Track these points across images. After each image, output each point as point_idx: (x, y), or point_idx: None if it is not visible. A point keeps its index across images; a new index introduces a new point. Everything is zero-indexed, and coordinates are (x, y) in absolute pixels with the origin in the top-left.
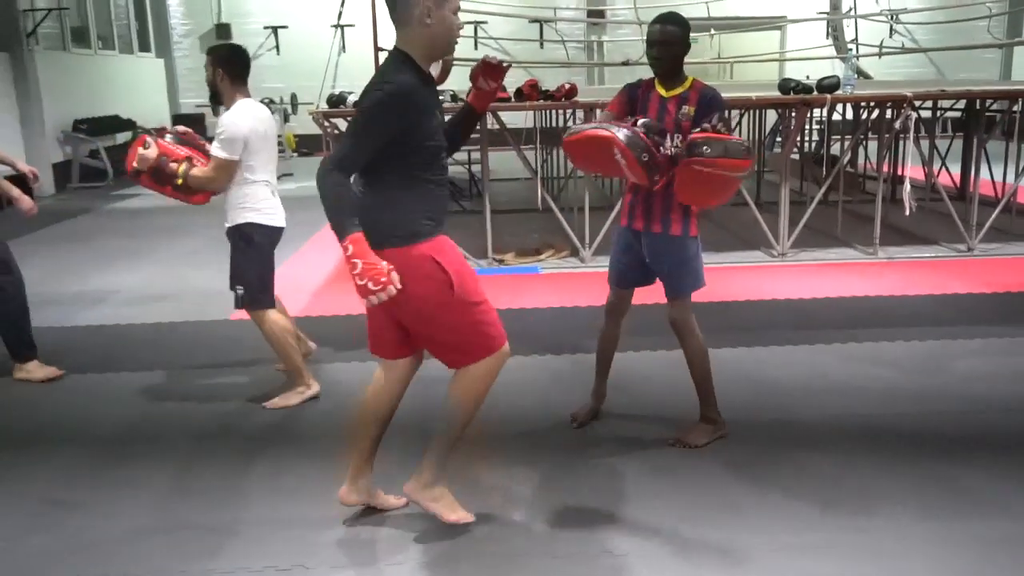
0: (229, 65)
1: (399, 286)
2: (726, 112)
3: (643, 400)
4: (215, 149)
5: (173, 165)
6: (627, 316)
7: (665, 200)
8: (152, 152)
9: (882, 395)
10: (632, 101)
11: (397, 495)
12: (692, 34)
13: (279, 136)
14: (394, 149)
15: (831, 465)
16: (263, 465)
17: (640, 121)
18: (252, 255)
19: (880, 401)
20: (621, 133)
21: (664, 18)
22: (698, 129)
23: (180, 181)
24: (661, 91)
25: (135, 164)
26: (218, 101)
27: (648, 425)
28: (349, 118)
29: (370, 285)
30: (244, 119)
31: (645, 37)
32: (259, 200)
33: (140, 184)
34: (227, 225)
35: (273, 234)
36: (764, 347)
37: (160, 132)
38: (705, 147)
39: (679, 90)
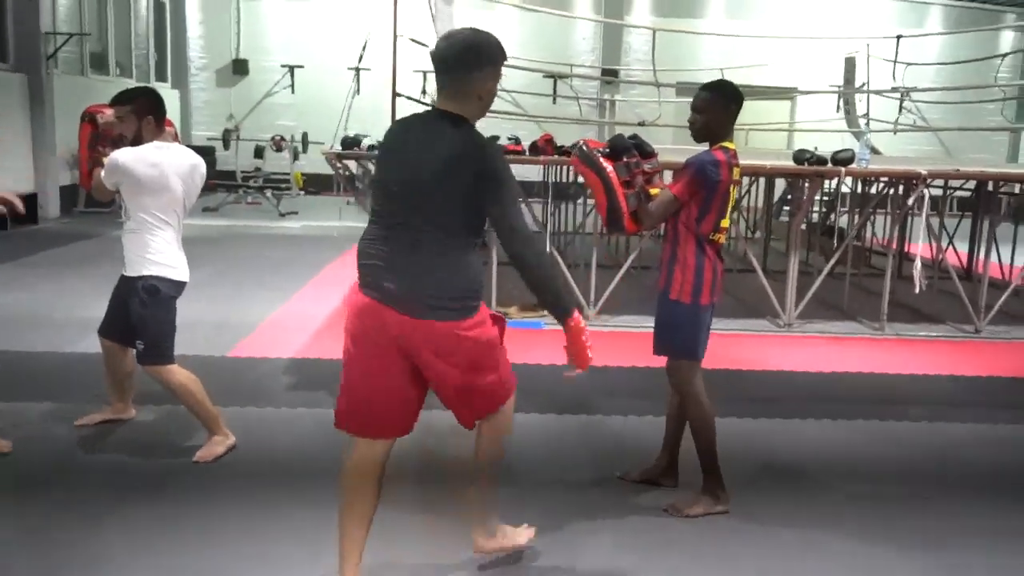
0: (157, 111)
1: None
2: (687, 174)
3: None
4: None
5: (109, 149)
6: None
7: (671, 260)
8: (111, 115)
9: (895, 476)
10: None
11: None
12: None
13: (203, 183)
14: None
15: (840, 546)
16: (257, 505)
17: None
18: (156, 309)
19: (893, 482)
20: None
21: (704, 85)
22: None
23: (104, 160)
24: None
25: (100, 120)
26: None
27: (659, 495)
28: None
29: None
30: (132, 154)
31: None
32: (162, 252)
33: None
34: (127, 274)
35: (177, 288)
36: (771, 419)
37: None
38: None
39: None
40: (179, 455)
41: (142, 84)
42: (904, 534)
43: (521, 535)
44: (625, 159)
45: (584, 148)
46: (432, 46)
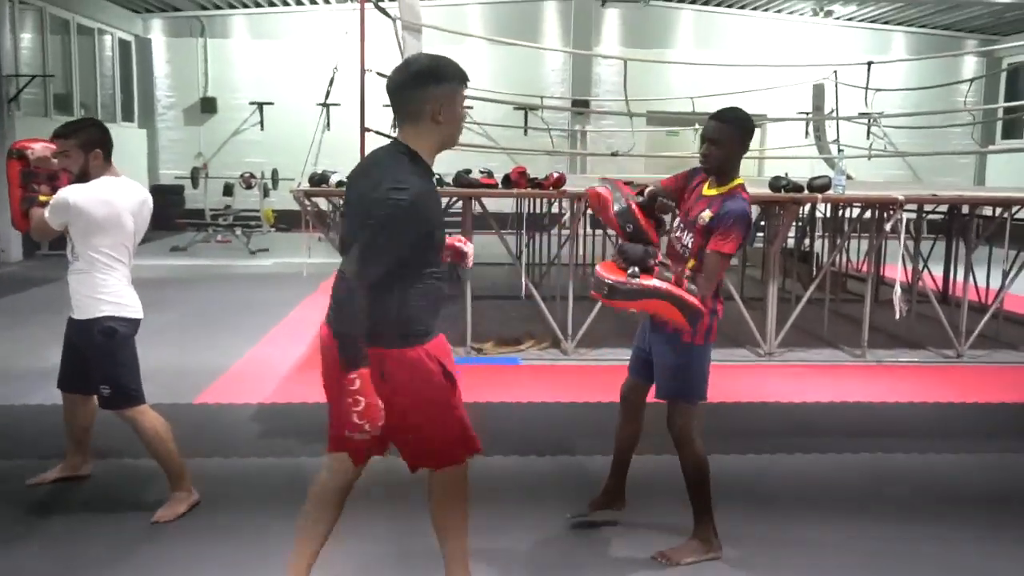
0: (105, 144)
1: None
2: (735, 230)
3: (649, 509)
4: (48, 206)
5: (45, 188)
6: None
7: None
8: (42, 150)
9: (885, 513)
10: (684, 187)
11: None
12: (677, 128)
13: (146, 223)
14: (408, 255)
15: None
16: (223, 569)
17: (647, 190)
18: (116, 350)
19: (884, 520)
20: (616, 201)
21: (718, 115)
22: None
23: (44, 199)
24: (707, 188)
25: (30, 156)
26: (83, 183)
27: (648, 539)
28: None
29: (367, 426)
30: (82, 192)
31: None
32: (114, 291)
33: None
34: (77, 317)
35: (133, 326)
36: (759, 455)
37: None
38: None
39: (717, 191)
40: (138, 515)
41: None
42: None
43: None
44: (648, 262)
45: (625, 283)
46: None
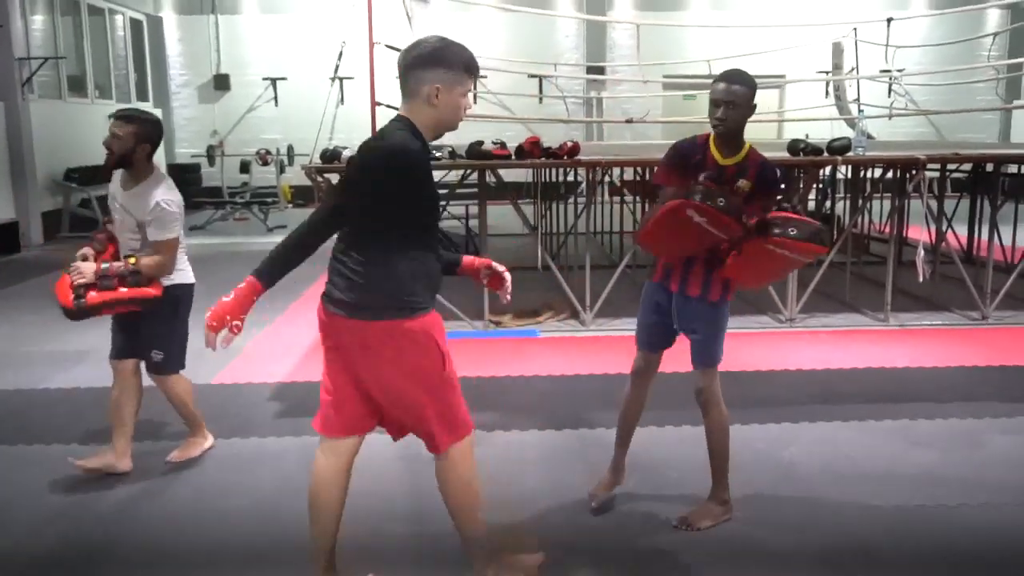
0: (155, 140)
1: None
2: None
3: (661, 480)
4: (156, 234)
5: (117, 264)
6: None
7: (709, 263)
8: (90, 266)
9: (911, 481)
10: (686, 167)
11: None
12: (694, 92)
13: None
14: (394, 215)
15: (855, 561)
16: (239, 541)
17: (701, 176)
18: (177, 318)
19: (910, 488)
20: (688, 193)
21: (730, 76)
22: (776, 208)
23: (133, 260)
24: (718, 156)
25: (77, 281)
26: (122, 166)
27: (665, 509)
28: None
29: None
30: (175, 195)
31: (710, 95)
32: (181, 260)
33: (87, 311)
34: None
35: (192, 291)
36: (779, 423)
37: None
38: (792, 229)
39: (737, 158)
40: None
41: (134, 107)
42: (923, 550)
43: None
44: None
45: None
46: None
